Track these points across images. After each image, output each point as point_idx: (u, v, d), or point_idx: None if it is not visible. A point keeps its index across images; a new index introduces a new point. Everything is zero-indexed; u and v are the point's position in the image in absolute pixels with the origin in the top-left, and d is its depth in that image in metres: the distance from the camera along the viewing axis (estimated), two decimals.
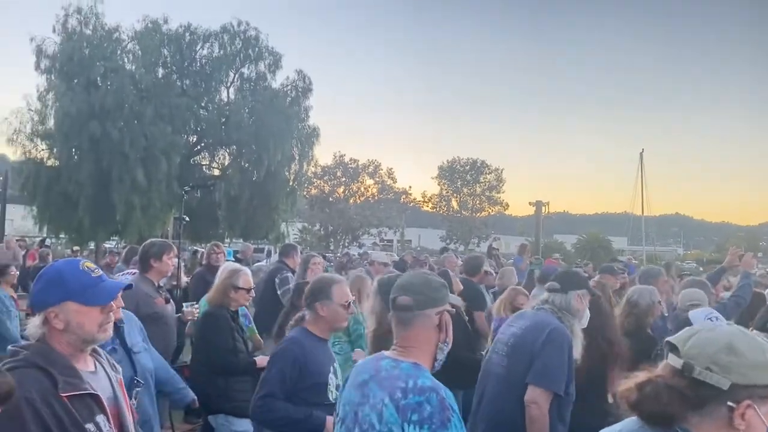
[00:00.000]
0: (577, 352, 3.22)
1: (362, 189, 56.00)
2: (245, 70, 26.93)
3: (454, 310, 2.13)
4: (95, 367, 2.05)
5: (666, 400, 1.41)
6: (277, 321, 4.28)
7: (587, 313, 3.38)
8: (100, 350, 2.12)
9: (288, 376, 2.95)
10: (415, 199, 60.81)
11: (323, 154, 62.60)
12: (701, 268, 28.63)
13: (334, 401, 2.99)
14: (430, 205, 62.54)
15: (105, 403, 1.94)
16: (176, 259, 4.87)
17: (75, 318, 1.95)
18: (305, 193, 39.66)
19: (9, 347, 1.90)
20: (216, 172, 28.03)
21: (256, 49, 26.57)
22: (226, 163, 27.66)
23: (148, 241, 4.83)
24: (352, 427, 1.99)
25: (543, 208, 32.65)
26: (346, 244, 50.04)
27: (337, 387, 3.07)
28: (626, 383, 1.51)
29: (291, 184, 27.71)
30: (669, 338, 1.51)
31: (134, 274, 4.65)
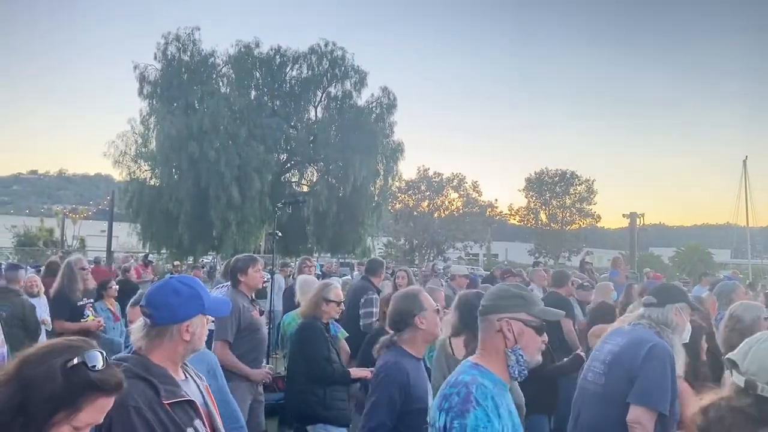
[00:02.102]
0: (680, 368, 3.08)
1: (447, 203, 55.67)
2: (332, 90, 27.72)
3: (536, 322, 2.06)
4: (186, 376, 2.17)
5: (730, 422, 1.38)
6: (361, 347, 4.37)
7: (689, 327, 3.22)
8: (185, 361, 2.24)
9: (396, 403, 2.78)
10: (501, 212, 59.71)
11: (407, 169, 62.75)
12: None
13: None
14: (518, 218, 61.23)
15: (200, 408, 2.07)
16: (263, 271, 5.00)
17: (199, 329, 2.11)
18: (390, 207, 39.98)
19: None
20: (305, 189, 28.81)
21: (342, 68, 27.29)
22: (315, 180, 28.42)
23: (234, 257, 5.03)
24: None
25: (638, 219, 31.29)
26: (431, 258, 49.87)
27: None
28: (694, 407, 1.48)
29: (376, 199, 28.13)
30: (729, 354, 1.46)
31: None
